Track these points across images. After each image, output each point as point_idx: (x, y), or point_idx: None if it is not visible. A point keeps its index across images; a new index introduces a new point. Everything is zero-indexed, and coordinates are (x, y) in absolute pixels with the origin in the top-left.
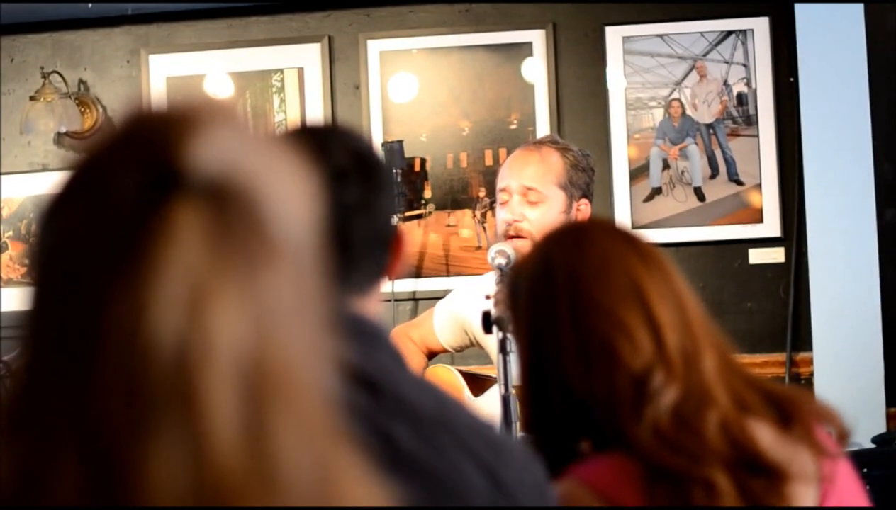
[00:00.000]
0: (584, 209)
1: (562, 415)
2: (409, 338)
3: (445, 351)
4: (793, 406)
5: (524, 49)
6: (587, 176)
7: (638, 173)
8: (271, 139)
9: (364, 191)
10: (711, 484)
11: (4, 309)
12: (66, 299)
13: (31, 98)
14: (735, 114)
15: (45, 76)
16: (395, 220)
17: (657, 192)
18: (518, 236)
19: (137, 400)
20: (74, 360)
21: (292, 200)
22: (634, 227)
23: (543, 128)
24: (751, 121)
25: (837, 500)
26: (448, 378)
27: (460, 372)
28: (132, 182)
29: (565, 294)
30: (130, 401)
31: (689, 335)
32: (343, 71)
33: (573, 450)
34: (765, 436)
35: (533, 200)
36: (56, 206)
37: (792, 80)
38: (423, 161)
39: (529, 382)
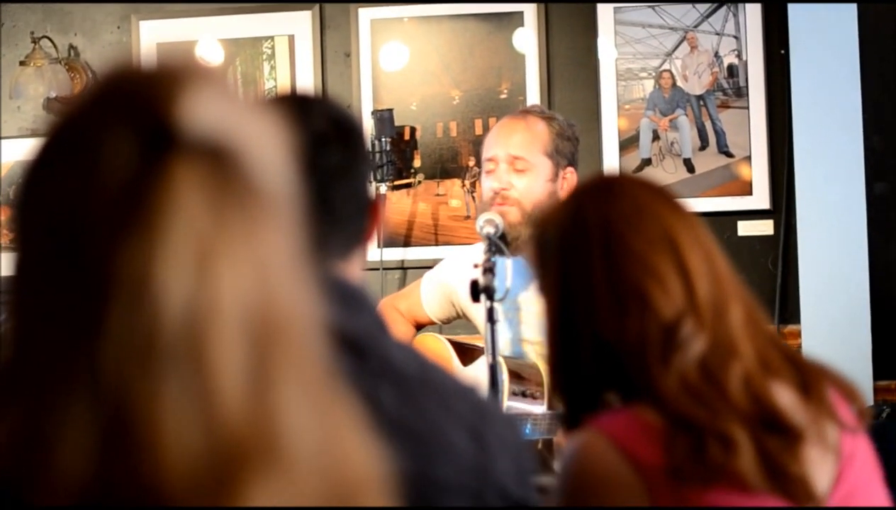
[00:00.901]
0: (570, 177)
1: (590, 364)
2: (396, 310)
3: (433, 322)
4: (814, 375)
5: (516, 18)
6: (572, 145)
7: (628, 144)
8: (253, 101)
9: (344, 156)
10: (729, 438)
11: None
12: (68, 261)
13: (21, 63)
14: (725, 85)
15: (35, 41)
16: (373, 187)
17: (647, 163)
18: (504, 202)
19: (147, 357)
20: (82, 321)
21: (277, 159)
22: None
23: (534, 98)
24: (741, 93)
25: (854, 479)
26: (437, 347)
27: (449, 341)
28: (128, 141)
29: (598, 241)
30: (141, 359)
31: (717, 286)
32: (334, 39)
33: (599, 400)
34: (785, 397)
35: (520, 168)
36: (44, 168)
37: (783, 52)
38: (412, 130)
39: (558, 332)
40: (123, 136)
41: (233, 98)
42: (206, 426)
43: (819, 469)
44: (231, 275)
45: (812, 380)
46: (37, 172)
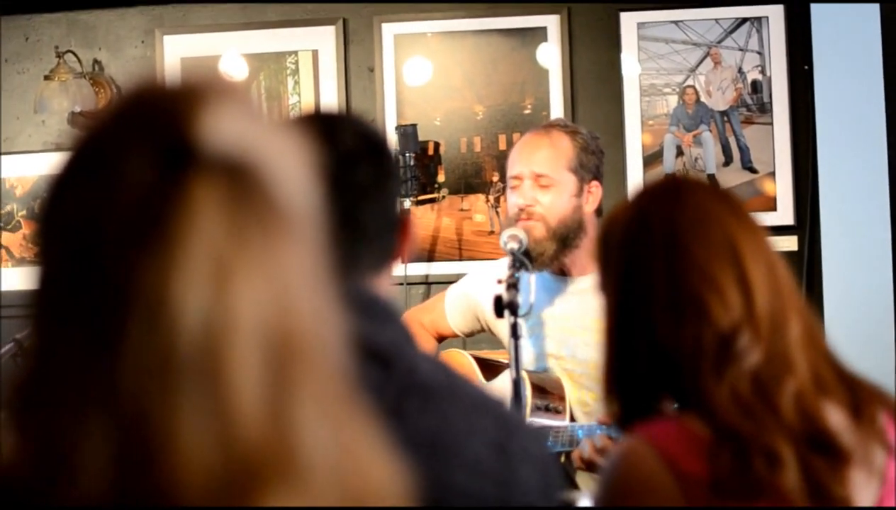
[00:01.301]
0: (594, 191)
1: (645, 367)
2: (419, 323)
3: (456, 336)
4: (867, 396)
5: (539, 34)
6: (597, 158)
7: (652, 159)
8: (276, 118)
9: (374, 174)
10: (775, 454)
11: (19, 288)
12: (87, 276)
13: (46, 77)
14: (749, 101)
15: (59, 55)
16: (403, 204)
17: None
18: (530, 218)
19: (165, 373)
20: (101, 336)
21: (298, 177)
22: None
23: (557, 113)
24: (765, 108)
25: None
26: (461, 362)
27: (473, 357)
28: (148, 158)
29: (661, 245)
30: (158, 374)
31: (778, 298)
32: (357, 54)
33: (653, 405)
34: (836, 417)
35: (544, 185)
36: (66, 184)
37: (806, 67)
38: (436, 145)
39: (615, 334)
40: (143, 153)
41: (255, 115)
42: (223, 442)
43: (862, 492)
44: (249, 291)
45: (864, 401)
46: (58, 188)
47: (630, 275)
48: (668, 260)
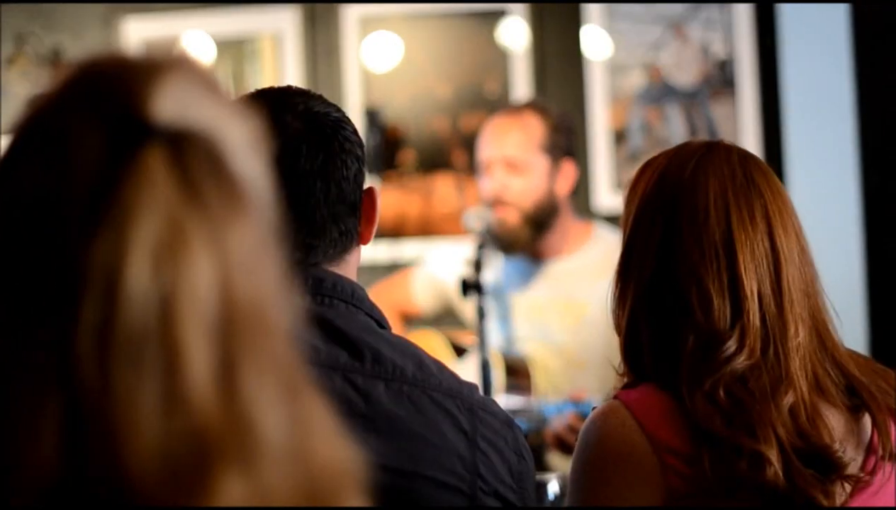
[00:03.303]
0: (567, 170)
1: (643, 334)
2: (383, 301)
3: (420, 316)
4: (869, 397)
5: (504, 14)
6: (568, 136)
7: (618, 138)
8: (231, 95)
9: (322, 158)
10: (762, 457)
11: None
12: (37, 253)
13: (8, 62)
14: (715, 77)
15: (20, 41)
16: (364, 183)
17: (637, 156)
18: (503, 204)
19: (117, 349)
20: (52, 311)
21: (248, 151)
22: (614, 192)
23: (522, 92)
24: (731, 84)
25: (863, 501)
26: (433, 343)
27: (444, 337)
28: (99, 131)
29: (661, 227)
30: (110, 350)
31: (779, 307)
32: (321, 36)
33: (658, 371)
34: (836, 425)
35: (516, 168)
36: (15, 160)
37: (771, 43)
38: (401, 126)
39: (617, 288)
40: (95, 126)
41: (210, 89)
42: (175, 417)
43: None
44: (202, 266)
45: (866, 401)
46: (7, 165)
47: (634, 236)
48: (665, 242)
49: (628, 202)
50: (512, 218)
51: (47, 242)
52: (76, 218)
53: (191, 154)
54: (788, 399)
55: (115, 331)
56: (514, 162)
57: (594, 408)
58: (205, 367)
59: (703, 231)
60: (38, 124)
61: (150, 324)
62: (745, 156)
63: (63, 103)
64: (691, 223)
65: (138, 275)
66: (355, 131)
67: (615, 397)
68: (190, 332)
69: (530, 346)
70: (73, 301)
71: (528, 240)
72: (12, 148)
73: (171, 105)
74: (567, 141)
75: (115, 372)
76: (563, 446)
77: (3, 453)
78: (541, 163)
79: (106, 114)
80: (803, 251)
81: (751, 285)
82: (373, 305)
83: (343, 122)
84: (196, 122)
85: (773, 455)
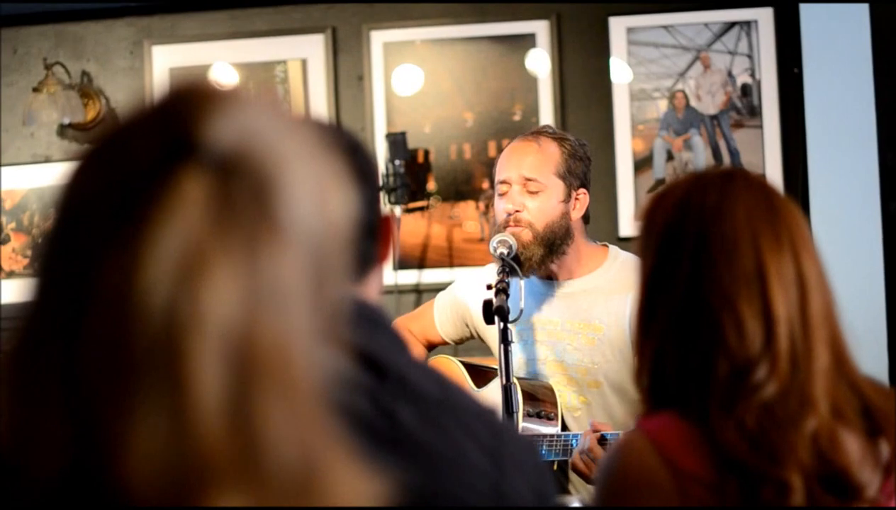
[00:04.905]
0: (582, 198)
1: (666, 362)
2: (408, 330)
3: (446, 343)
4: (885, 421)
5: (528, 40)
6: (584, 165)
7: (642, 164)
8: (301, 129)
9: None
10: (786, 486)
11: (6, 301)
12: (64, 262)
13: (34, 89)
14: (739, 105)
15: (47, 67)
16: (380, 205)
17: (661, 183)
18: (517, 224)
19: (123, 363)
20: (64, 321)
21: (312, 187)
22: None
23: (547, 119)
24: (755, 112)
25: None
26: (451, 369)
27: (463, 363)
28: (148, 150)
29: (691, 252)
30: (116, 364)
31: (804, 330)
32: (346, 62)
33: (677, 398)
34: (854, 449)
35: (532, 190)
36: (70, 177)
37: (796, 70)
38: (426, 152)
39: (642, 317)
40: (148, 145)
41: (273, 120)
42: (178, 439)
43: None
44: (217, 290)
45: (882, 425)
46: (65, 181)
47: (659, 267)
48: (694, 271)
49: (647, 232)
50: (526, 237)
51: (74, 251)
52: (101, 229)
53: (236, 182)
54: (811, 424)
55: (118, 347)
56: (530, 182)
57: (615, 437)
58: (216, 393)
59: (735, 257)
60: (99, 144)
61: (159, 344)
62: (763, 182)
63: (126, 125)
64: (722, 250)
65: (150, 292)
66: (371, 155)
67: (636, 427)
68: (202, 357)
69: (547, 368)
70: (83, 312)
71: (541, 260)
72: (77, 164)
73: (227, 132)
74: (584, 169)
75: (116, 387)
76: (589, 478)
77: (13, 457)
78: (556, 186)
79: (159, 133)
80: (823, 276)
81: (781, 310)
82: (395, 328)
83: (359, 145)
84: (253, 153)
85: (797, 481)
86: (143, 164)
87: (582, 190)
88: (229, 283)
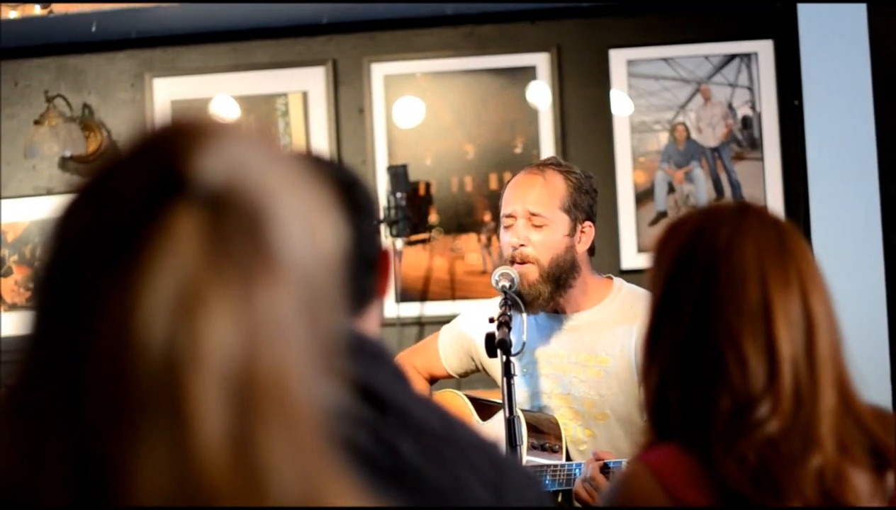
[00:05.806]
0: (587, 231)
1: (661, 391)
2: (411, 365)
3: (450, 376)
4: (892, 454)
5: (528, 72)
6: (590, 198)
7: (643, 197)
8: (290, 163)
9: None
10: None
11: (7, 333)
12: (61, 298)
13: (36, 122)
14: (740, 137)
15: (49, 100)
16: (379, 239)
17: (662, 215)
18: (524, 261)
19: (125, 400)
20: (65, 358)
21: (303, 218)
22: (640, 251)
23: (548, 151)
24: (756, 144)
25: None
26: (455, 402)
27: (469, 397)
28: (138, 186)
29: (698, 286)
30: (118, 401)
31: (811, 370)
32: (347, 94)
33: (680, 425)
34: (862, 486)
35: (537, 224)
36: (63, 212)
37: (797, 103)
38: (427, 185)
39: (650, 342)
40: (137, 181)
41: (263, 154)
42: (181, 474)
43: None
44: (216, 325)
45: (889, 458)
46: (58, 216)
47: (667, 296)
48: (701, 303)
49: (658, 262)
50: (532, 276)
51: (70, 289)
52: (97, 266)
53: (228, 217)
54: (817, 461)
55: (119, 384)
56: (536, 216)
57: (617, 465)
58: (217, 427)
59: (741, 294)
60: (90, 180)
61: (160, 379)
62: (776, 219)
63: (116, 162)
64: (729, 286)
65: (148, 328)
66: (369, 189)
67: (638, 459)
68: (203, 392)
69: (552, 402)
70: (83, 349)
71: (549, 297)
72: (67, 202)
73: (218, 167)
74: (590, 202)
75: (118, 424)
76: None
77: (12, 493)
78: (562, 220)
79: (149, 169)
80: (832, 316)
81: (786, 348)
82: (395, 361)
83: (355, 179)
84: (243, 187)
85: None
86: (135, 200)
87: (587, 223)
88: (227, 318)
